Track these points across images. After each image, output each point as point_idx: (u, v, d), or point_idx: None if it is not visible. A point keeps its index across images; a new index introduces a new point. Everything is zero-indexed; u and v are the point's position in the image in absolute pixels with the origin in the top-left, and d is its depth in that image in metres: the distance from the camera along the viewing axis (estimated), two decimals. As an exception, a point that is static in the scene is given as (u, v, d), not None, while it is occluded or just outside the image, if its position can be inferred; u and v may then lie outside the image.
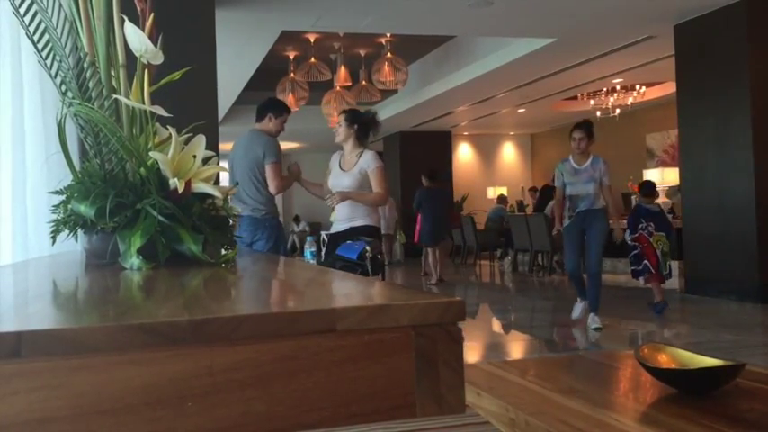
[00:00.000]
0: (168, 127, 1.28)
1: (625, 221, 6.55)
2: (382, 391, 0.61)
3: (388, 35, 9.36)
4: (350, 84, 10.00)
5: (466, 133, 16.06)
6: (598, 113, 12.15)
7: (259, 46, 8.13)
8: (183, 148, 1.27)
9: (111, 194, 1.17)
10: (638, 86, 11.22)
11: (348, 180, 4.14)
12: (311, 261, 4.34)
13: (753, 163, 6.52)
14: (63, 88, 1.26)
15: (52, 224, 1.26)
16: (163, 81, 1.33)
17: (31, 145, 2.16)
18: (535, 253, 10.59)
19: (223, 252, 1.28)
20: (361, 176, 4.10)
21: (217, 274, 1.08)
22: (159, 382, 0.56)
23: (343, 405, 0.60)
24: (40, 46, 1.26)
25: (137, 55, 1.26)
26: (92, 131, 1.23)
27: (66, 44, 1.25)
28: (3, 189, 2.12)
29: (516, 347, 5.42)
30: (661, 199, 9.45)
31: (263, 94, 11.68)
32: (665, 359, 1.50)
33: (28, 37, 1.26)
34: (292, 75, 10.04)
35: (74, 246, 1.46)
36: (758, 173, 6.51)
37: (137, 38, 1.23)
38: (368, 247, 3.89)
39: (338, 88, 10.12)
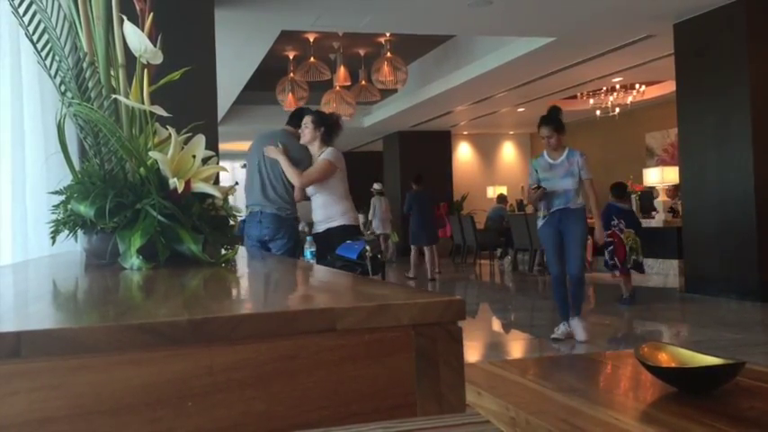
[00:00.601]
0: (168, 127, 1.28)
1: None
2: (382, 390, 0.61)
3: (388, 35, 9.36)
4: (349, 83, 10.00)
5: (465, 133, 16.06)
6: (598, 112, 12.16)
7: (258, 46, 8.13)
8: (183, 148, 1.27)
9: (111, 194, 1.17)
10: (637, 85, 11.22)
11: None
12: (311, 261, 4.34)
13: (752, 161, 6.52)
14: (62, 88, 1.26)
15: (52, 224, 1.26)
16: (162, 81, 1.33)
17: (30, 145, 2.16)
18: (535, 252, 10.59)
19: (223, 252, 1.28)
20: None
21: (217, 274, 1.08)
22: (159, 382, 0.56)
23: (343, 404, 0.60)
24: (39, 46, 1.25)
25: (136, 55, 1.26)
26: (91, 131, 1.23)
27: (65, 44, 1.25)
28: (2, 189, 2.12)
29: (516, 347, 5.42)
30: (661, 198, 9.47)
31: (262, 93, 11.71)
32: (665, 358, 1.49)
33: (27, 37, 1.26)
34: (292, 74, 10.04)
35: (73, 246, 1.46)
36: (758, 171, 6.51)
37: (136, 38, 1.23)
38: (368, 247, 3.90)
39: (338, 88, 10.11)
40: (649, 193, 10.09)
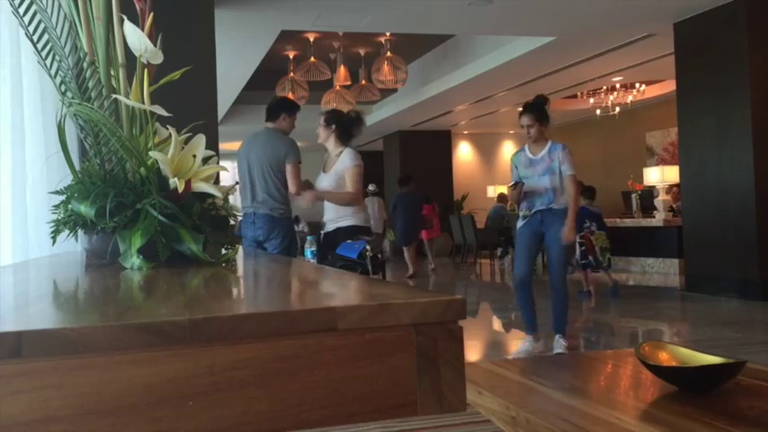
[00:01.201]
0: (168, 126, 1.28)
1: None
2: (383, 389, 0.61)
3: (388, 34, 9.36)
4: (349, 83, 10.00)
5: (466, 132, 16.06)
6: (598, 112, 12.16)
7: (258, 45, 8.12)
8: (183, 148, 1.27)
9: (112, 194, 1.17)
10: (637, 85, 11.22)
11: (326, 181, 4.20)
12: (312, 260, 4.35)
13: (753, 160, 6.52)
14: (63, 88, 1.26)
15: (52, 224, 1.26)
16: (162, 81, 1.33)
17: (30, 145, 2.16)
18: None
19: (223, 251, 1.28)
20: (338, 177, 4.15)
21: (217, 274, 1.08)
22: (160, 382, 0.56)
23: (344, 404, 0.60)
24: (39, 46, 1.26)
25: (136, 55, 1.26)
26: (92, 131, 1.23)
27: (65, 44, 1.25)
28: (3, 189, 2.12)
29: (517, 346, 5.42)
30: (662, 197, 9.47)
31: (262, 93, 11.69)
32: (665, 357, 1.49)
33: (27, 37, 1.26)
34: (292, 74, 10.04)
35: (74, 246, 1.46)
36: (758, 170, 6.51)
37: (136, 37, 1.23)
38: (368, 246, 3.90)
39: (338, 87, 10.11)
40: (650, 193, 10.10)
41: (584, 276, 7.47)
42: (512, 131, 16.51)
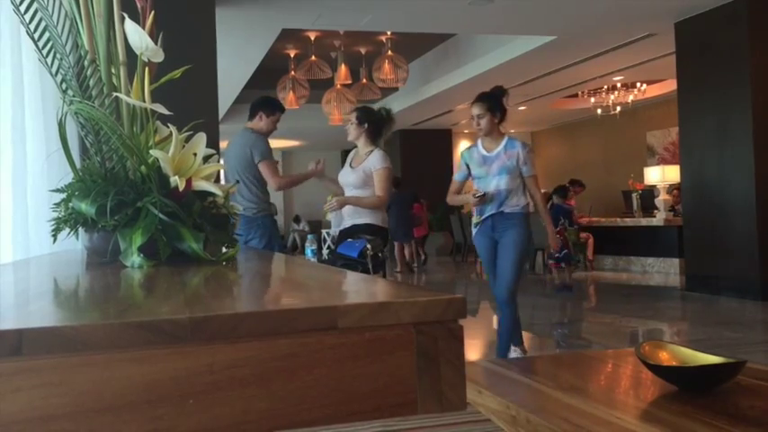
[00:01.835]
0: (169, 125, 1.28)
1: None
2: (383, 388, 0.61)
3: (389, 33, 9.35)
4: (350, 82, 10.00)
5: (466, 131, 16.05)
6: (599, 111, 12.15)
7: (259, 44, 8.12)
8: (184, 146, 1.27)
9: (112, 192, 1.17)
10: (638, 84, 11.21)
11: (353, 177, 4.15)
12: (312, 259, 4.35)
13: (753, 160, 6.52)
14: (63, 86, 1.26)
15: (53, 222, 1.26)
16: (163, 79, 1.33)
17: (31, 143, 2.16)
18: (535, 251, 10.58)
19: (224, 250, 1.28)
20: (365, 175, 4.10)
21: (218, 272, 1.08)
22: (160, 380, 0.56)
23: (344, 402, 0.60)
24: (40, 44, 1.26)
25: (137, 53, 1.26)
26: (92, 129, 1.23)
27: (66, 42, 1.25)
28: (3, 187, 2.12)
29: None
30: (662, 197, 9.47)
31: (263, 92, 11.67)
32: (665, 357, 1.49)
33: (28, 35, 1.26)
34: (293, 73, 10.04)
35: (75, 244, 1.46)
36: (759, 170, 6.51)
37: (137, 36, 1.23)
38: (368, 245, 3.89)
39: (339, 86, 10.11)
40: (650, 192, 10.10)
41: (567, 269, 8.17)
42: (512, 130, 16.50)
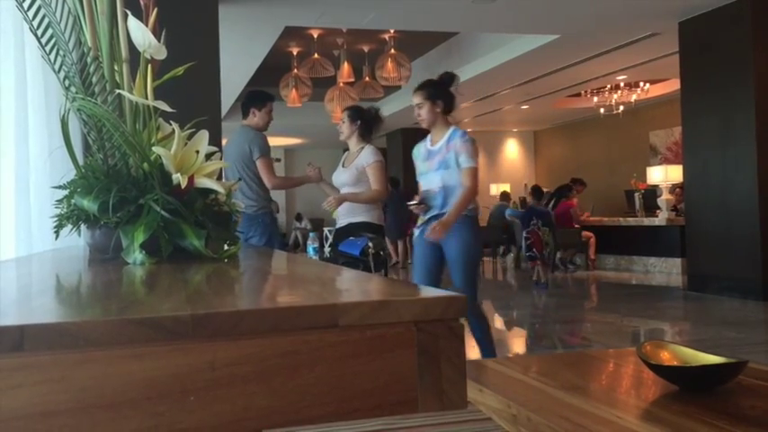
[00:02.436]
0: (171, 122, 1.28)
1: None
2: (384, 386, 0.61)
3: (392, 31, 9.34)
4: (353, 80, 9.99)
5: (469, 130, 16.02)
6: (602, 110, 12.13)
7: (262, 42, 8.12)
8: (186, 144, 1.27)
9: (114, 189, 1.17)
10: (641, 83, 11.19)
11: (345, 176, 4.16)
12: (314, 256, 4.35)
13: (756, 160, 6.50)
14: (66, 83, 1.26)
15: (55, 219, 1.26)
16: (166, 76, 1.33)
17: (34, 140, 2.17)
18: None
19: (225, 247, 1.28)
20: (357, 172, 4.10)
21: (219, 270, 1.08)
22: (161, 377, 0.56)
23: (344, 400, 0.60)
24: (43, 41, 1.26)
25: (140, 50, 1.26)
26: (95, 126, 1.24)
27: (69, 39, 1.25)
28: (6, 184, 2.13)
29: (518, 344, 5.42)
30: (665, 197, 9.46)
31: (266, 90, 11.70)
32: (667, 356, 1.49)
33: (32, 32, 1.26)
34: (295, 71, 10.03)
35: (77, 240, 1.46)
36: (761, 170, 6.49)
37: (140, 33, 1.23)
38: (370, 243, 3.89)
39: (341, 84, 10.10)
40: (653, 192, 10.09)
41: (542, 268, 8.31)
42: (515, 129, 16.51)
